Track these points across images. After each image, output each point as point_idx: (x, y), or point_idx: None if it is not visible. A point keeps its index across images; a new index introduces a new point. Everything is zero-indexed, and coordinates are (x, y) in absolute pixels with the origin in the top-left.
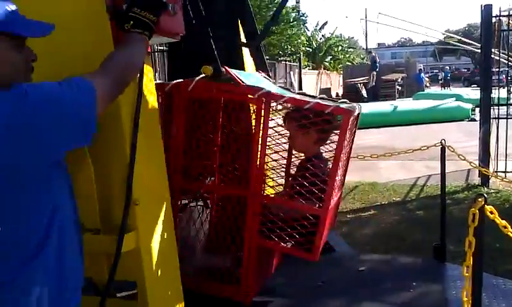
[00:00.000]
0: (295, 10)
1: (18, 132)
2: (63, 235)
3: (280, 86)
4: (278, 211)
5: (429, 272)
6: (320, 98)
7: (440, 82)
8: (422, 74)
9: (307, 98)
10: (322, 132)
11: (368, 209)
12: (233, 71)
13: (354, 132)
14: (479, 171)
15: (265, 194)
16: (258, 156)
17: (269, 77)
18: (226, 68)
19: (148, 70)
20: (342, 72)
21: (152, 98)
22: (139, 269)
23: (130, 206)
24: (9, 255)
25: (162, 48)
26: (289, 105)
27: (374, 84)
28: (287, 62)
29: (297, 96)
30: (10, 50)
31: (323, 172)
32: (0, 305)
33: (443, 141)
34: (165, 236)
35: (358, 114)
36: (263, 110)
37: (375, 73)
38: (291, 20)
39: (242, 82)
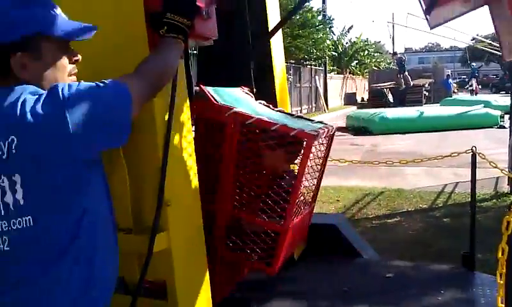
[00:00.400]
0: (321, 14)
1: (54, 131)
2: (94, 236)
3: (262, 103)
4: (245, 226)
5: (458, 279)
6: (298, 117)
7: (470, 88)
8: (450, 80)
9: (279, 118)
10: (290, 153)
11: (394, 215)
12: (208, 89)
13: (329, 147)
14: (509, 178)
15: (234, 209)
16: (228, 173)
17: (252, 92)
18: (202, 86)
19: (181, 73)
20: (367, 77)
21: (184, 102)
22: (169, 269)
23: (162, 207)
24: (37, 254)
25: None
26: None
27: (410, 84)
28: (312, 67)
29: (267, 117)
30: (55, 52)
31: (287, 191)
32: (24, 304)
33: (474, 148)
34: (195, 237)
35: (332, 134)
36: (233, 129)
37: (406, 73)
38: (317, 24)
39: (216, 100)
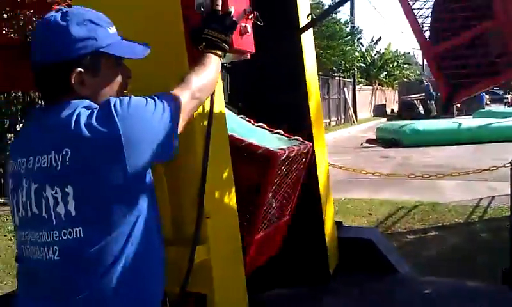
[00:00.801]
0: (349, 25)
1: (106, 145)
2: (142, 247)
3: (243, 118)
4: None
5: (498, 297)
6: (277, 133)
7: (505, 100)
8: (483, 92)
9: (252, 134)
10: (260, 169)
11: (430, 230)
12: None
13: (304, 164)
14: None
15: None
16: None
17: (232, 107)
18: None
19: (218, 85)
20: (397, 88)
21: (221, 115)
22: (209, 281)
23: (202, 219)
24: (86, 265)
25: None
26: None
27: (436, 113)
28: (340, 78)
29: (239, 134)
30: (111, 69)
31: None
32: None
33: None
34: (233, 249)
35: (307, 151)
36: None
37: (433, 102)
38: (345, 36)
39: None
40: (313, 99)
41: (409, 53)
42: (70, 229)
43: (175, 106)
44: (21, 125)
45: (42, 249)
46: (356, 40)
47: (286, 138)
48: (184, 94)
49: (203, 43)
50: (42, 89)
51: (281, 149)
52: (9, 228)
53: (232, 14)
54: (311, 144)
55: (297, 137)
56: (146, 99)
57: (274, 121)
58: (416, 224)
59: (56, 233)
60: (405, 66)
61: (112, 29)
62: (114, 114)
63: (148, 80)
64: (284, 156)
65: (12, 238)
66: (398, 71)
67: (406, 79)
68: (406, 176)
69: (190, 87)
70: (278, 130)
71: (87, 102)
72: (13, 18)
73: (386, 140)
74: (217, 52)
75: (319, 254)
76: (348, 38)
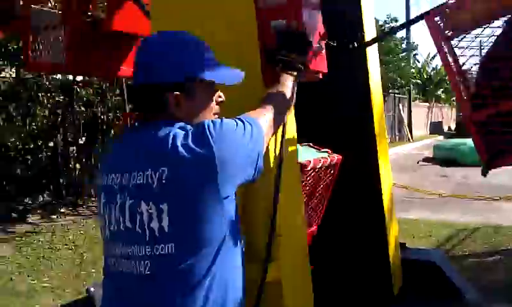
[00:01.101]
0: (404, 41)
1: (201, 166)
2: (229, 265)
3: None
4: None
5: None
6: (307, 145)
7: None
8: None
9: None
10: None
11: (493, 254)
12: None
13: (331, 176)
14: None
15: None
16: None
17: None
18: None
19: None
20: (455, 105)
21: (292, 137)
22: (279, 298)
23: (274, 237)
24: (175, 281)
25: None
26: None
27: None
28: (395, 95)
29: None
30: (206, 93)
31: None
32: None
33: None
34: (302, 267)
35: (334, 163)
36: None
37: None
38: (401, 51)
39: None
40: (377, 114)
41: None
42: (162, 245)
43: (261, 128)
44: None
45: (133, 263)
46: (412, 56)
47: (315, 150)
48: (267, 117)
49: (280, 64)
50: (138, 107)
51: (307, 160)
52: (69, 238)
53: (308, 35)
54: (340, 157)
55: (327, 150)
56: (236, 122)
57: (336, 135)
58: (478, 247)
59: (148, 248)
60: None
61: (210, 54)
62: (209, 136)
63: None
64: (309, 167)
65: (73, 247)
66: None
67: None
68: (471, 197)
69: (271, 109)
70: (309, 143)
71: (182, 123)
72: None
73: (444, 158)
74: (294, 73)
75: (382, 275)
76: (404, 53)
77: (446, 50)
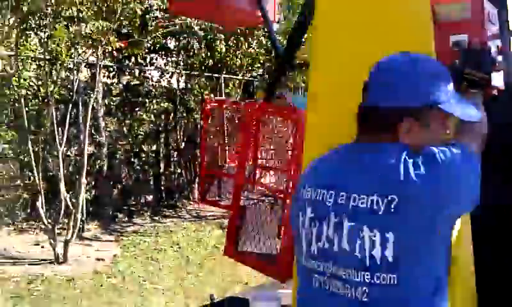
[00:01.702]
0: None
1: (434, 196)
2: (441, 297)
3: None
4: None
5: None
6: None
7: None
8: None
9: None
10: None
11: None
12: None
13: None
14: None
15: None
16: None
17: None
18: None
19: None
20: None
21: None
22: None
23: None
24: None
25: None
26: None
27: None
28: None
29: None
30: (440, 124)
31: None
32: None
33: None
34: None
35: None
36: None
37: None
38: None
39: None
40: None
41: None
42: (384, 275)
43: (477, 157)
44: None
45: (348, 287)
46: None
47: None
48: (473, 144)
49: (464, 83)
50: (364, 126)
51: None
52: (173, 240)
53: (490, 51)
54: None
55: None
56: (461, 150)
57: None
58: None
59: (367, 275)
60: None
61: (450, 86)
62: (441, 166)
63: None
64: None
65: (178, 249)
66: None
67: None
68: None
69: (478, 135)
70: None
71: (409, 149)
72: None
73: None
74: (476, 91)
75: None
76: None
77: None
